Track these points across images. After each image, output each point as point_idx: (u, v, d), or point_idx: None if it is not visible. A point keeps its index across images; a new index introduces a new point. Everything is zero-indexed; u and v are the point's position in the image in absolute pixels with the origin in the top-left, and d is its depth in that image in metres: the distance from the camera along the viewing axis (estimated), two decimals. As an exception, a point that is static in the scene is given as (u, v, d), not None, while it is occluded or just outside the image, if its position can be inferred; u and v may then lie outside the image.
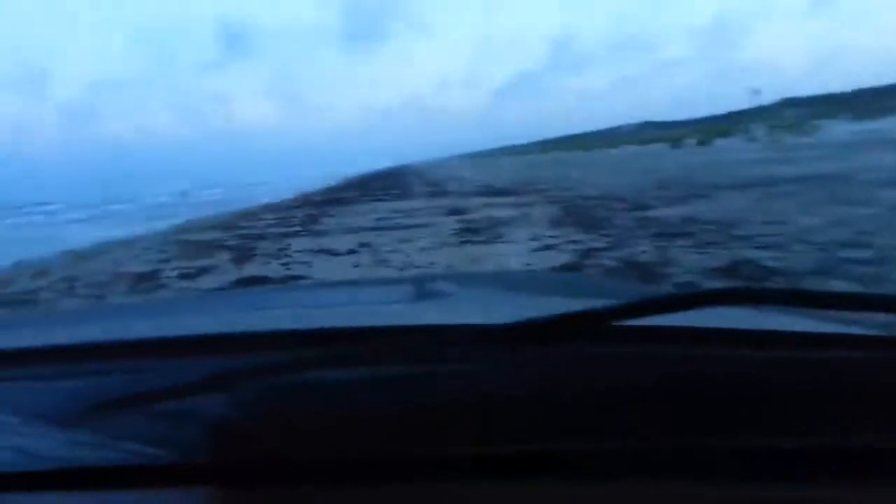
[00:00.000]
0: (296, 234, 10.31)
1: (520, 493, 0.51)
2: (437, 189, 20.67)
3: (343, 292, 1.49)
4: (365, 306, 1.08)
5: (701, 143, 39.24)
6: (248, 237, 10.49)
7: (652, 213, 8.65)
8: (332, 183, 40.20)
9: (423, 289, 1.16)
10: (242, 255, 8.44)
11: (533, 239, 7.57)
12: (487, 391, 0.57)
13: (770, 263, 4.93)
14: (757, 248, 5.59)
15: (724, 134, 44.10)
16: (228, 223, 13.76)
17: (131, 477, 0.53)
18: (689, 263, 5.25)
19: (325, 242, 9.01)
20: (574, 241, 6.97)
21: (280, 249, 8.69)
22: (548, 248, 6.79)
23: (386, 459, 0.53)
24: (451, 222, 10.28)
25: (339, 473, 0.53)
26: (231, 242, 10.00)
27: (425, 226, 10.19)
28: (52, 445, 0.56)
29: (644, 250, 6.02)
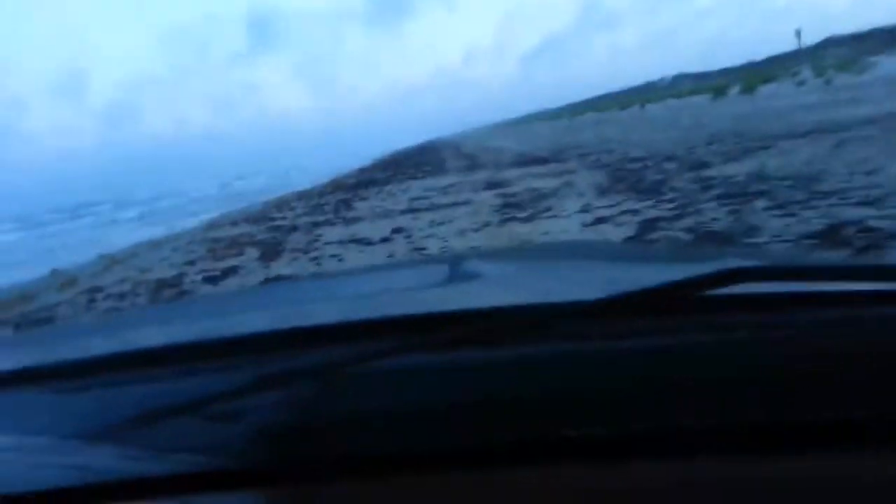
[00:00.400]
0: (327, 223, 9.77)
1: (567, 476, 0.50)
2: (471, 162, 19.92)
3: (377, 279, 1.42)
4: (402, 293, 1.02)
5: (745, 90, 37.11)
6: (279, 229, 10.00)
7: (713, 172, 7.80)
8: (365, 164, 39.72)
9: (458, 270, 1.12)
10: (271, 250, 7.93)
11: (583, 210, 6.84)
12: (537, 379, 0.55)
13: (877, 224, 4.12)
14: (853, 205, 4.76)
15: (768, 80, 41.88)
16: (259, 215, 13.32)
17: (184, 485, 0.52)
18: (776, 229, 4.47)
19: (358, 230, 8.43)
20: (631, 212, 6.21)
21: (311, 242, 8.16)
22: (601, 220, 6.06)
23: (465, 447, 0.52)
24: (490, 198, 9.60)
25: (408, 465, 0.51)
26: (261, 237, 9.51)
27: (462, 203, 9.52)
28: (105, 460, 0.56)
29: (715, 217, 5.24)
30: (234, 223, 12.52)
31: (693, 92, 55.29)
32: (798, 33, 62.46)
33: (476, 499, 0.50)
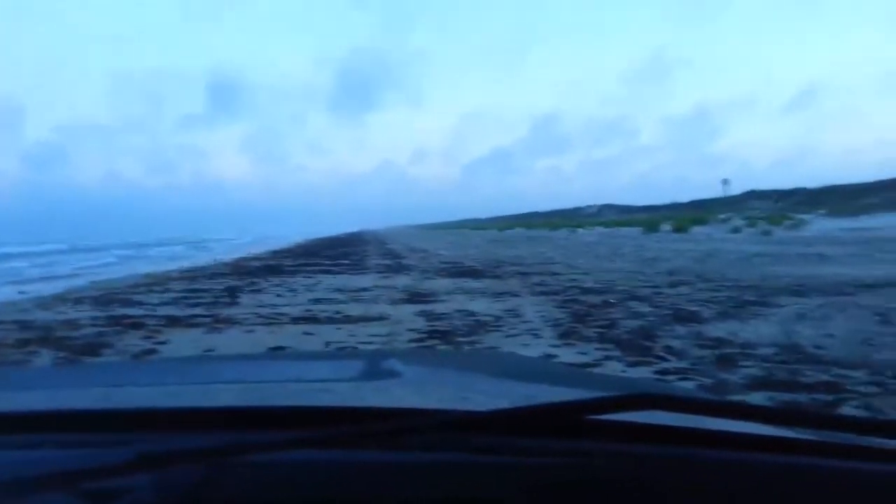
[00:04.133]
0: (187, 323, 7.15)
1: None
2: (395, 262, 17.74)
3: (288, 367, 1.35)
4: (313, 383, 0.98)
5: (677, 229, 37.25)
6: (120, 321, 7.29)
7: (716, 332, 5.78)
8: (282, 245, 37.03)
9: (375, 366, 1.09)
10: (73, 359, 5.27)
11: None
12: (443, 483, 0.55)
13: None
14: None
15: (697, 222, 42.46)
16: (117, 295, 10.48)
17: None
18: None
19: (219, 343, 5.90)
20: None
21: (143, 353, 5.55)
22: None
23: None
24: (411, 317, 7.30)
25: None
26: (84, 331, 6.79)
27: (375, 319, 7.18)
28: None
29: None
30: (78, 300, 9.65)
31: (621, 223, 55.89)
32: (726, 182, 65.42)
33: None
